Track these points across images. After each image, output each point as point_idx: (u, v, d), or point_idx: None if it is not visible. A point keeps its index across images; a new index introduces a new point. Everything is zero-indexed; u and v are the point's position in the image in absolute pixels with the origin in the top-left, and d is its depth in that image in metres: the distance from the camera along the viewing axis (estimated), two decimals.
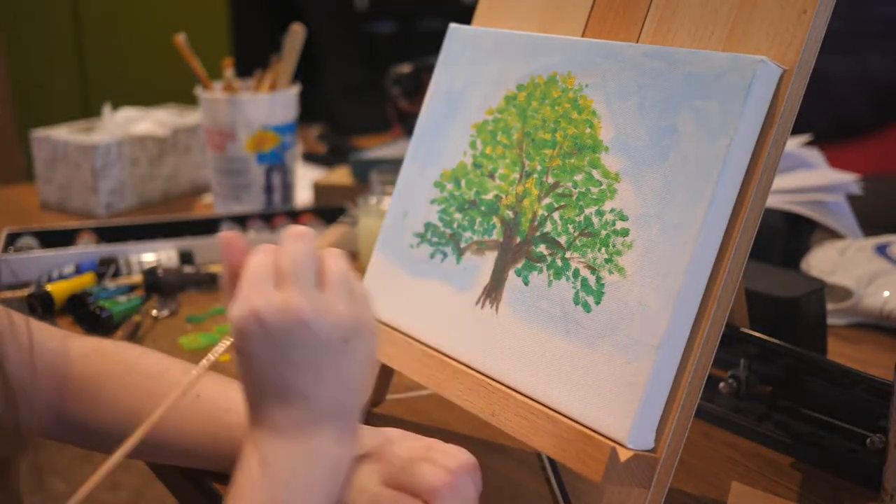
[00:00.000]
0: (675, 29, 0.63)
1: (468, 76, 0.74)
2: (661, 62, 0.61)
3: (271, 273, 0.52)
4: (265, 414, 0.52)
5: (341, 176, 1.47)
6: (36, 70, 2.80)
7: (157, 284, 1.08)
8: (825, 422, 0.75)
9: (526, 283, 0.65)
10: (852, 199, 1.10)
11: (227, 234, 0.54)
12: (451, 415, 0.80)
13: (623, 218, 0.60)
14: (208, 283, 1.11)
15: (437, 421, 0.80)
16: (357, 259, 1.18)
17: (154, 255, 1.14)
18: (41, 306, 1.03)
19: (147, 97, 2.09)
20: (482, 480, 0.71)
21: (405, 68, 1.46)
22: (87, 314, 0.99)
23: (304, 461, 0.51)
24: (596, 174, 0.63)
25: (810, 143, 1.15)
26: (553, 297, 0.63)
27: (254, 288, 0.51)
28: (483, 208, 0.70)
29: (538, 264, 0.65)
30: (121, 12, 2.91)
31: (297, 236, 0.53)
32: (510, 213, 0.68)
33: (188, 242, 1.17)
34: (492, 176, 0.70)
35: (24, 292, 1.04)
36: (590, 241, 0.62)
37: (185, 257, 1.15)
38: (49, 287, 1.04)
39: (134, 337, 0.97)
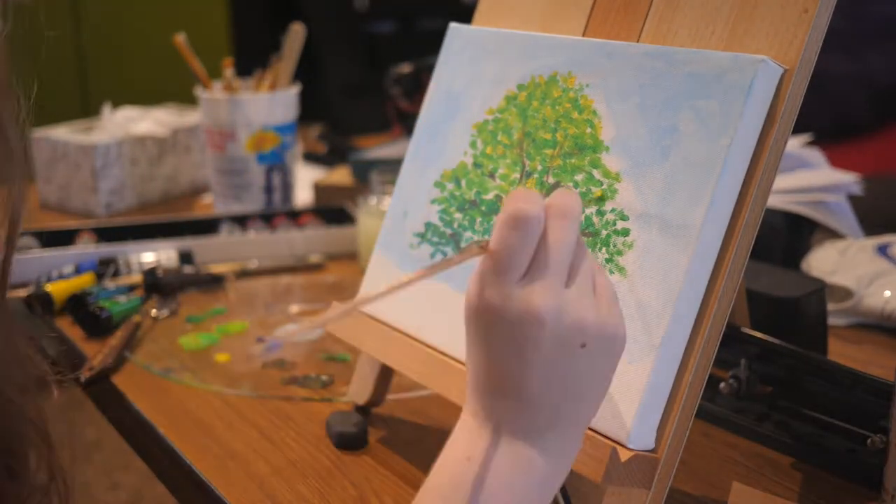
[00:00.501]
0: (675, 28, 0.63)
1: (468, 76, 0.74)
2: (662, 62, 0.61)
3: (524, 258, 0.47)
4: (482, 402, 0.49)
5: (341, 176, 1.47)
6: (36, 70, 2.80)
7: (156, 284, 1.08)
8: (826, 422, 0.75)
9: None
10: (853, 199, 1.10)
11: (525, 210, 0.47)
12: (451, 415, 0.80)
13: (623, 218, 0.60)
14: (208, 283, 1.11)
15: (437, 421, 0.80)
16: (357, 259, 1.19)
17: (154, 255, 1.14)
18: (41, 306, 1.03)
19: (147, 97, 2.09)
20: None
21: (405, 68, 1.46)
22: (86, 314, 0.99)
23: (510, 467, 0.48)
24: (596, 174, 0.63)
25: (811, 143, 1.15)
26: None
27: (499, 274, 0.47)
28: (484, 208, 0.70)
29: None
30: (121, 12, 2.91)
31: (563, 215, 0.48)
32: None
33: (188, 242, 1.17)
34: (492, 176, 0.70)
35: (24, 292, 1.04)
36: (590, 240, 0.62)
37: (185, 257, 1.15)
38: (49, 287, 1.04)
39: (134, 337, 0.97)
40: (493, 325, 0.47)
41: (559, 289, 0.47)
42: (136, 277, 1.10)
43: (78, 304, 1.01)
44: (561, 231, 0.47)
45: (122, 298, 1.02)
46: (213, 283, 1.11)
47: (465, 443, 0.49)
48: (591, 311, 0.48)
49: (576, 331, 0.47)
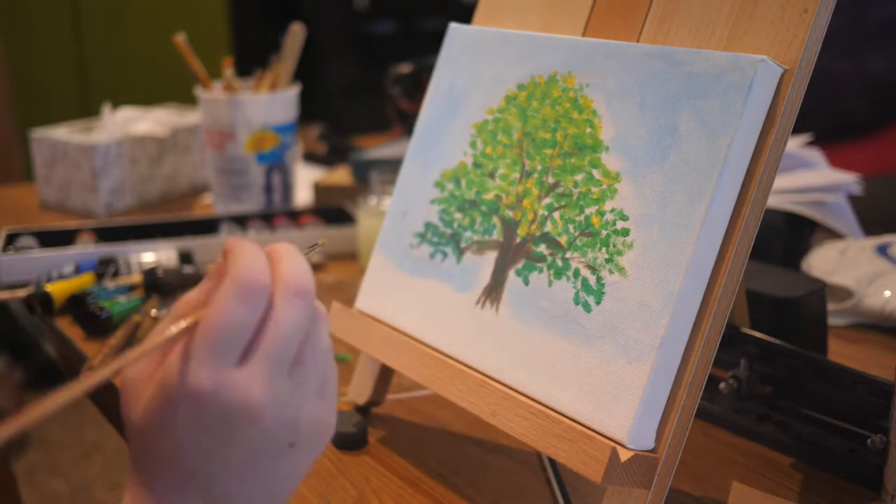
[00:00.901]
0: (675, 28, 0.63)
1: (468, 76, 0.74)
2: (662, 62, 0.61)
3: (247, 336, 0.41)
4: (153, 489, 0.42)
5: (341, 176, 1.47)
6: (36, 70, 2.80)
7: (156, 284, 1.08)
8: (826, 422, 0.75)
9: (526, 283, 0.65)
10: (853, 199, 1.10)
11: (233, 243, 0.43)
12: (451, 415, 0.80)
13: (623, 218, 0.60)
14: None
15: (437, 421, 0.80)
16: (357, 259, 1.19)
17: (154, 255, 1.14)
18: (41, 306, 1.03)
19: (147, 97, 2.09)
20: (483, 481, 0.71)
21: (405, 68, 1.46)
22: (86, 314, 0.99)
23: None
24: (596, 174, 0.63)
25: (811, 143, 1.15)
26: (553, 297, 0.63)
27: (216, 353, 0.40)
28: (483, 208, 0.70)
29: (538, 264, 0.65)
30: (121, 12, 2.91)
31: (296, 293, 0.42)
32: (510, 213, 0.68)
33: (188, 242, 1.17)
34: (492, 176, 0.70)
35: (24, 292, 1.04)
36: (590, 240, 0.62)
37: (185, 257, 1.15)
38: (49, 287, 1.04)
39: (133, 337, 0.96)
40: (195, 413, 0.40)
41: (282, 379, 0.41)
42: (136, 277, 1.10)
43: (78, 304, 1.01)
44: (293, 310, 0.41)
45: (122, 298, 1.02)
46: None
47: None
48: (311, 408, 0.43)
49: (290, 429, 0.42)
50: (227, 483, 0.41)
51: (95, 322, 0.98)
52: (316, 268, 1.19)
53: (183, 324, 0.41)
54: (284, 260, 0.42)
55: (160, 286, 1.08)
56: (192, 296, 0.42)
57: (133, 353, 0.40)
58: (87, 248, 1.15)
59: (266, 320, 0.41)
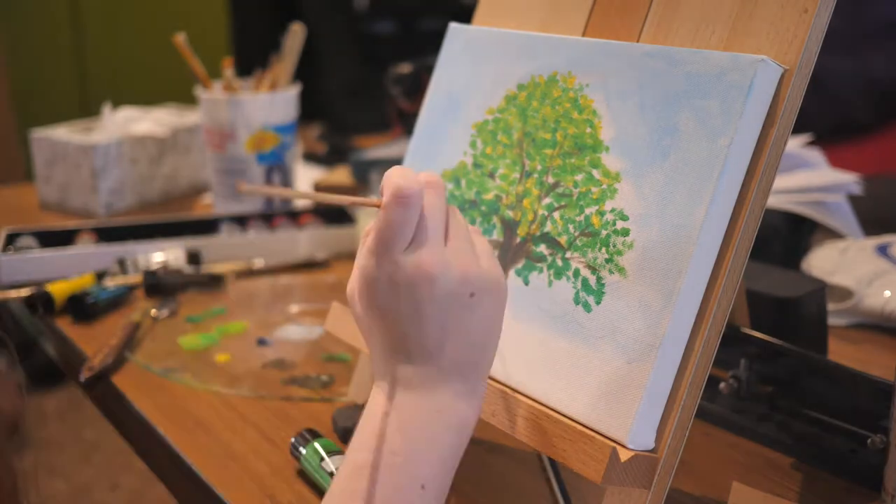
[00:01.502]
0: (675, 28, 0.63)
1: (468, 76, 0.74)
2: (662, 62, 0.61)
3: (409, 231, 0.52)
4: (392, 368, 0.53)
5: (341, 176, 1.47)
6: (36, 70, 2.80)
7: (156, 285, 1.08)
8: (826, 422, 0.75)
9: (526, 283, 0.65)
10: (853, 199, 1.10)
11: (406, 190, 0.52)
12: None
13: (623, 218, 0.60)
14: (208, 283, 1.11)
15: None
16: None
17: (163, 254, 1.14)
18: (42, 306, 1.03)
19: (147, 97, 2.09)
20: (483, 481, 0.71)
21: (405, 68, 1.45)
22: (81, 307, 1.01)
23: (431, 417, 0.52)
24: (596, 174, 0.63)
25: (811, 143, 1.15)
26: (553, 297, 0.63)
27: (385, 245, 0.52)
28: (483, 208, 0.70)
29: (538, 264, 0.65)
30: (121, 12, 2.91)
31: (431, 186, 0.54)
32: (510, 213, 0.68)
33: (188, 242, 1.17)
34: (492, 176, 0.70)
35: (25, 292, 1.04)
36: (590, 240, 0.62)
37: (193, 257, 1.15)
38: (49, 287, 1.04)
39: (134, 337, 0.97)
40: (388, 291, 0.51)
41: (442, 249, 0.52)
42: (135, 277, 1.10)
43: (78, 304, 1.02)
44: (433, 199, 0.53)
45: (111, 287, 1.05)
46: (213, 283, 1.11)
47: (381, 403, 0.53)
48: (474, 264, 0.53)
49: (463, 281, 0.52)
50: (433, 338, 0.52)
51: (81, 306, 1.01)
52: (316, 267, 1.19)
53: (374, 200, 0.54)
54: (394, 172, 0.53)
55: (159, 287, 1.08)
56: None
57: (341, 198, 0.56)
58: (87, 248, 1.15)
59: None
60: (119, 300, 1.05)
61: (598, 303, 0.60)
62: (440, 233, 0.53)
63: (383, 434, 0.51)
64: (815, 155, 1.13)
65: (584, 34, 0.69)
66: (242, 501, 0.69)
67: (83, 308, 1.01)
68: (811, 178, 1.08)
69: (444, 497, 0.53)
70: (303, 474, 0.72)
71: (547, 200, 0.66)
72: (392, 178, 0.52)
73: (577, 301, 0.61)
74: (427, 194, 0.53)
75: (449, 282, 0.52)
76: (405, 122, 1.55)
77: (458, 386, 0.53)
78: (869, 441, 0.70)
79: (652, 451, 0.57)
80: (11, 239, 1.17)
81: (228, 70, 1.32)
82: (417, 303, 0.51)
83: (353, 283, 0.55)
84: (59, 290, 1.04)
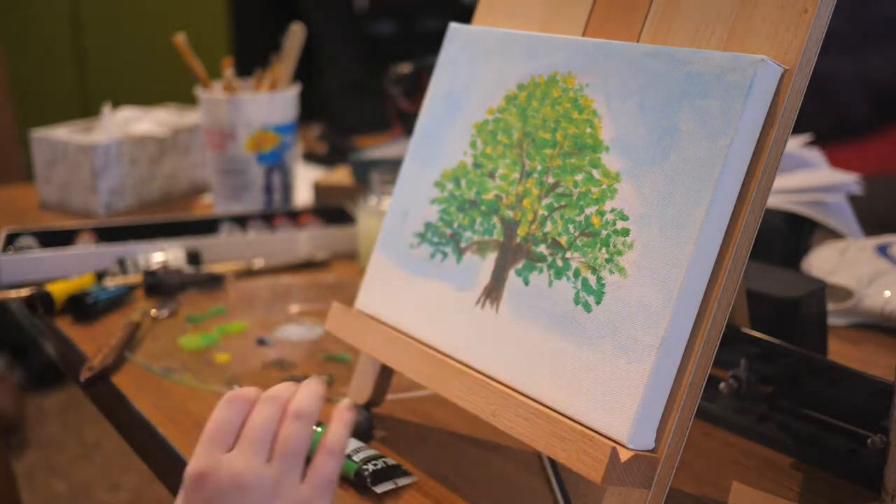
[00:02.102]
0: (675, 28, 0.63)
1: (468, 76, 0.74)
2: (662, 62, 0.61)
3: (232, 430, 0.54)
4: None
5: (341, 176, 1.47)
6: (36, 70, 2.80)
7: (156, 285, 1.08)
8: (826, 422, 0.75)
9: (526, 283, 0.65)
10: (853, 199, 1.10)
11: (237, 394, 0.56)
12: (451, 415, 0.80)
13: (623, 218, 0.60)
14: (208, 283, 1.11)
15: (437, 421, 0.80)
16: (357, 259, 1.19)
17: (163, 254, 1.14)
18: (42, 306, 1.03)
19: (147, 97, 2.09)
20: (483, 481, 0.71)
21: (405, 68, 1.45)
22: (81, 307, 1.01)
23: None
24: (596, 174, 0.63)
25: (811, 143, 1.15)
26: (553, 297, 0.63)
27: (208, 446, 0.53)
28: (483, 208, 0.70)
29: (538, 264, 0.65)
30: (121, 12, 2.91)
31: (265, 399, 0.56)
32: (510, 213, 0.68)
33: (188, 242, 1.17)
34: (492, 176, 0.70)
35: (24, 292, 1.04)
36: (590, 240, 0.62)
37: (193, 257, 1.15)
38: (49, 287, 1.04)
39: (134, 337, 0.97)
40: (200, 491, 0.52)
41: (261, 459, 0.53)
42: (134, 277, 1.10)
43: (78, 304, 1.02)
44: (266, 410, 0.55)
45: (111, 287, 1.04)
46: (213, 282, 1.12)
47: None
48: (293, 489, 0.53)
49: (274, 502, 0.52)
50: None
51: (81, 307, 1.01)
52: (317, 267, 1.19)
53: None
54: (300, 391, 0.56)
55: (160, 287, 1.08)
56: None
57: None
58: (87, 248, 1.15)
59: (247, 419, 0.55)
60: (119, 300, 1.06)
61: (598, 303, 0.60)
62: (263, 444, 0.54)
63: None
64: (815, 155, 1.13)
65: (584, 34, 0.69)
66: None
67: (83, 308, 1.01)
68: (811, 178, 1.08)
69: None
70: None
71: (547, 200, 0.66)
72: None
73: (577, 301, 0.61)
74: (259, 405, 0.55)
75: (261, 499, 0.52)
76: (405, 122, 1.55)
77: None
78: (869, 441, 0.70)
79: (652, 451, 0.57)
80: (11, 239, 1.17)
81: (228, 70, 1.32)
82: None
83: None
84: (59, 289, 1.04)
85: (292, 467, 0.54)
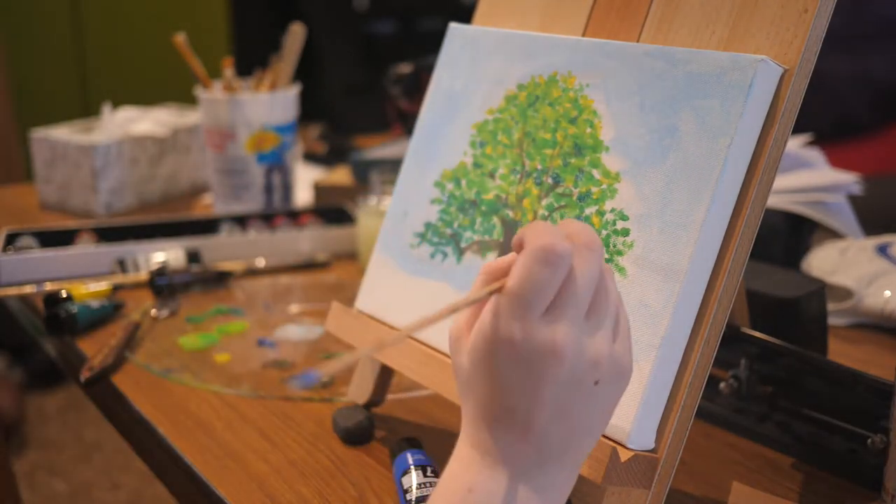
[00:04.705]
0: (675, 28, 0.63)
1: (468, 76, 0.74)
2: (662, 62, 0.61)
3: (551, 294, 0.46)
4: (484, 437, 0.48)
5: (341, 176, 1.47)
6: (36, 70, 2.80)
7: (163, 285, 1.08)
8: (826, 422, 0.75)
9: None
10: (853, 199, 1.10)
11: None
12: (451, 415, 0.80)
13: (623, 218, 0.60)
14: (211, 282, 1.11)
15: (437, 421, 0.80)
16: (357, 259, 1.19)
17: (164, 254, 1.14)
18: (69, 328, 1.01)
19: (147, 97, 2.09)
20: None
21: (405, 68, 1.45)
22: (51, 314, 0.99)
23: (512, 500, 0.47)
24: (596, 174, 0.63)
25: (811, 143, 1.15)
26: None
27: (521, 308, 0.46)
28: (483, 208, 0.70)
29: None
30: (121, 12, 2.91)
31: (588, 248, 0.47)
32: (510, 213, 0.68)
33: (188, 242, 1.17)
34: (492, 176, 0.70)
35: (27, 290, 1.04)
36: None
37: (193, 256, 1.15)
38: (67, 289, 1.03)
39: (134, 337, 0.97)
40: (509, 358, 0.46)
41: (581, 325, 0.47)
42: (141, 276, 1.10)
43: (50, 304, 1.01)
44: (586, 265, 0.47)
45: (94, 304, 1.02)
46: (216, 281, 1.12)
47: (466, 474, 0.48)
48: (608, 348, 0.47)
49: (592, 368, 0.47)
50: (543, 419, 0.47)
51: (57, 322, 0.98)
52: (316, 267, 1.19)
53: (495, 286, 0.47)
54: (574, 227, 0.48)
55: (166, 287, 1.08)
56: (495, 264, 0.49)
57: (452, 306, 0.47)
58: (87, 248, 1.15)
59: (567, 276, 0.46)
60: (101, 316, 1.01)
61: None
62: (584, 306, 0.47)
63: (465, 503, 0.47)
64: (815, 155, 1.13)
65: (584, 34, 0.69)
66: (242, 501, 0.69)
67: (58, 322, 0.98)
68: (811, 178, 1.08)
69: None
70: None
71: (547, 200, 0.66)
72: (535, 233, 0.46)
73: None
74: (579, 256, 0.47)
75: (578, 367, 0.46)
76: (405, 122, 1.55)
77: (550, 473, 0.48)
78: (869, 441, 0.70)
79: (652, 451, 0.57)
80: (11, 239, 1.17)
81: (228, 70, 1.32)
82: (538, 380, 0.46)
83: (464, 328, 0.50)
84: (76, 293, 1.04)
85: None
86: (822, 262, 1.02)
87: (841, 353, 0.89)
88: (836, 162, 1.16)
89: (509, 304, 0.46)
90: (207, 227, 1.25)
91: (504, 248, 0.68)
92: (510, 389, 0.47)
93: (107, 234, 1.21)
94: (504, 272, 0.48)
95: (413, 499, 0.65)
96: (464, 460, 0.49)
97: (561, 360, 0.46)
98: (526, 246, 0.46)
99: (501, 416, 0.47)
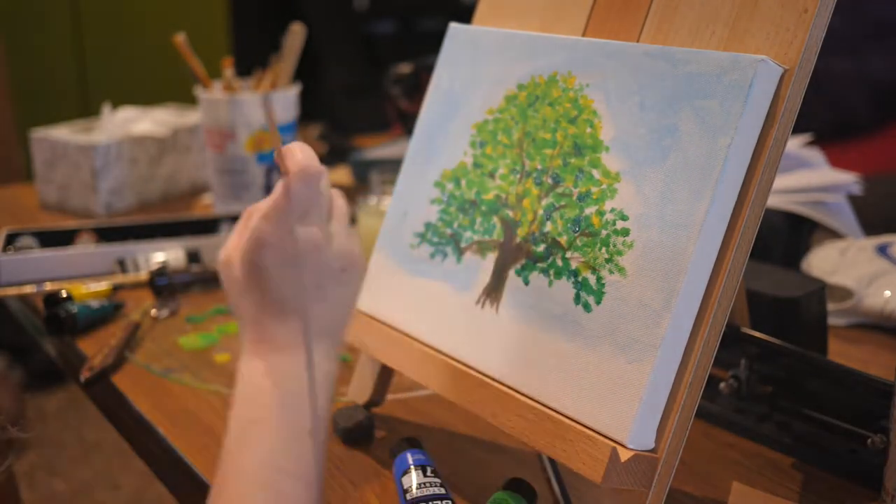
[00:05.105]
0: (675, 28, 0.63)
1: (468, 76, 0.74)
2: (662, 62, 0.61)
3: (305, 204, 0.57)
4: (266, 330, 0.57)
5: (341, 176, 1.47)
6: (36, 70, 2.80)
7: (163, 285, 1.08)
8: (826, 422, 0.75)
9: (526, 283, 0.65)
10: (853, 199, 1.10)
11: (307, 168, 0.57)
12: (451, 415, 0.80)
13: (623, 218, 0.60)
14: (214, 281, 1.11)
15: (437, 421, 0.80)
16: None
17: (164, 254, 1.14)
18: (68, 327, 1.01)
19: (147, 97, 2.09)
20: (482, 480, 0.71)
21: (405, 68, 1.45)
22: (51, 314, 0.99)
23: (303, 372, 0.55)
24: (596, 174, 0.63)
25: (811, 143, 1.15)
26: (553, 297, 0.63)
27: (285, 214, 0.56)
28: (483, 208, 0.70)
29: (539, 264, 0.65)
30: (121, 12, 2.91)
31: (318, 169, 0.58)
32: (510, 213, 0.68)
33: (188, 242, 1.17)
34: (492, 176, 0.70)
35: (24, 290, 1.04)
36: (590, 240, 0.62)
37: (193, 256, 1.15)
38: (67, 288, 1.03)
39: (134, 337, 0.97)
40: (280, 258, 0.56)
41: (326, 226, 0.58)
42: (132, 277, 1.10)
43: (50, 304, 1.01)
44: (323, 180, 0.59)
45: (94, 303, 1.02)
46: (216, 281, 1.11)
47: (262, 363, 0.56)
48: (348, 243, 0.59)
49: (339, 257, 0.58)
50: (308, 304, 0.57)
51: (57, 322, 0.98)
52: None
53: (262, 206, 0.57)
54: (295, 147, 0.58)
55: (167, 286, 1.08)
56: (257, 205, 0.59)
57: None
58: (87, 248, 1.15)
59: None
60: (100, 316, 1.02)
61: (598, 303, 0.60)
62: (325, 212, 0.59)
63: (266, 390, 0.56)
64: (815, 155, 1.13)
65: (584, 34, 0.69)
66: None
67: (58, 322, 0.98)
68: (811, 178, 1.08)
69: (327, 445, 0.59)
70: None
71: (547, 200, 0.66)
72: (297, 156, 0.57)
73: (577, 301, 0.61)
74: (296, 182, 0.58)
75: (329, 255, 0.57)
76: (405, 122, 1.55)
77: (324, 345, 0.58)
78: (869, 441, 0.70)
79: (652, 451, 0.57)
80: (11, 239, 1.17)
81: (228, 70, 1.32)
82: (300, 269, 0.56)
83: (234, 249, 0.58)
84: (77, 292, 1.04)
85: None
86: (822, 262, 1.02)
87: (841, 353, 0.89)
88: (836, 162, 1.16)
89: (275, 213, 0.56)
90: (207, 227, 1.25)
91: (504, 248, 0.68)
92: (281, 283, 0.56)
93: (107, 234, 1.21)
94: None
95: (413, 499, 0.65)
96: (258, 353, 0.57)
97: (319, 251, 0.56)
98: (287, 162, 0.57)
99: (278, 307, 0.56)
